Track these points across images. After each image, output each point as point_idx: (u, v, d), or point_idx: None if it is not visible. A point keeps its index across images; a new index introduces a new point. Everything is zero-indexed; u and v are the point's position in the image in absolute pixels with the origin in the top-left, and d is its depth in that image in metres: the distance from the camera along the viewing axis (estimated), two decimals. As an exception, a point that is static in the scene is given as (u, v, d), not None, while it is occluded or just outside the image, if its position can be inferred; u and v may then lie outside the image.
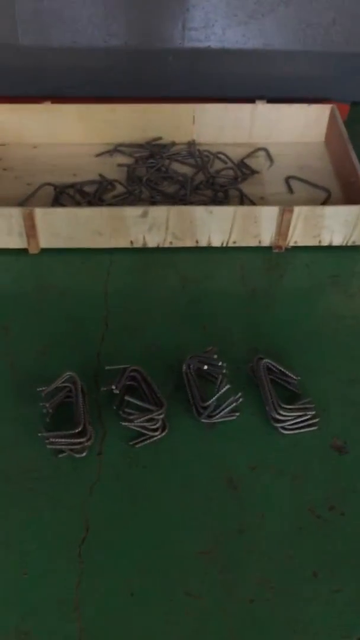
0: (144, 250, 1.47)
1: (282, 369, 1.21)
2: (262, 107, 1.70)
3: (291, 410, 1.16)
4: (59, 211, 1.43)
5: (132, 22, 1.55)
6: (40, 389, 1.16)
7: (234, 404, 1.15)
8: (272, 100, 1.71)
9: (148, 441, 1.13)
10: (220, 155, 1.71)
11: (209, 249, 1.48)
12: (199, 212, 1.42)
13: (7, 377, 1.22)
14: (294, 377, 1.21)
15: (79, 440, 1.10)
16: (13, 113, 1.67)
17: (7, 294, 1.39)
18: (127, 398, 1.15)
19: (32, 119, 1.68)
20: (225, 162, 1.70)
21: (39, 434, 1.11)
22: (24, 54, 1.59)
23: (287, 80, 1.70)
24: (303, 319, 1.35)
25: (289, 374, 1.21)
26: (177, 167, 1.69)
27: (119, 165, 1.68)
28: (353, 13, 1.54)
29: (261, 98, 1.71)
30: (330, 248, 1.48)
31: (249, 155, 1.72)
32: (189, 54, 1.62)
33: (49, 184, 1.60)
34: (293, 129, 1.73)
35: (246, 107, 1.70)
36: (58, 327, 1.32)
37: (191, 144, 1.73)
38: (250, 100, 1.71)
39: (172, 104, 1.69)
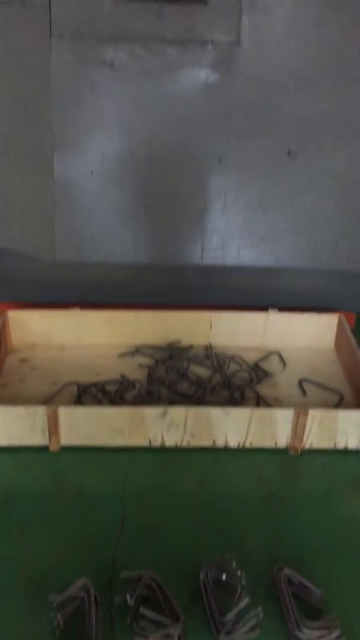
0: (162, 450, 1.50)
1: (304, 582, 1.16)
2: (274, 316, 1.84)
3: (314, 628, 1.09)
4: (82, 410, 1.49)
5: (156, 244, 1.75)
6: (52, 596, 1.12)
7: (254, 620, 1.09)
8: (283, 308, 1.86)
9: (163, 660, 1.06)
10: (235, 358, 1.81)
11: (226, 450, 1.50)
12: (216, 412, 1.47)
13: (20, 583, 1.18)
14: (317, 591, 1.16)
15: (89, 658, 1.04)
16: (44, 318, 1.81)
17: (26, 493, 1.39)
18: (141, 611, 1.10)
19: (61, 323, 1.82)
20: (241, 365, 1.80)
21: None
22: (59, 269, 1.77)
23: (297, 292, 1.85)
24: (323, 525, 1.33)
25: (311, 587, 1.16)
26: (195, 368, 1.78)
27: (140, 365, 1.78)
28: (353, 238, 1.73)
29: (273, 307, 1.86)
30: (346, 452, 1.50)
31: (262, 359, 1.81)
32: (207, 269, 1.80)
33: (72, 383, 1.68)
34: (304, 336, 1.85)
35: (259, 316, 1.84)
36: (74, 528, 1.30)
37: (208, 347, 1.85)
38: (264, 308, 1.85)
39: (190, 311, 1.84)
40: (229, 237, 1.75)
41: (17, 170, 1.70)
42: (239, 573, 1.16)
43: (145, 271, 1.82)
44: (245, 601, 1.10)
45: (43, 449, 1.48)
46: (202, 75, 1.59)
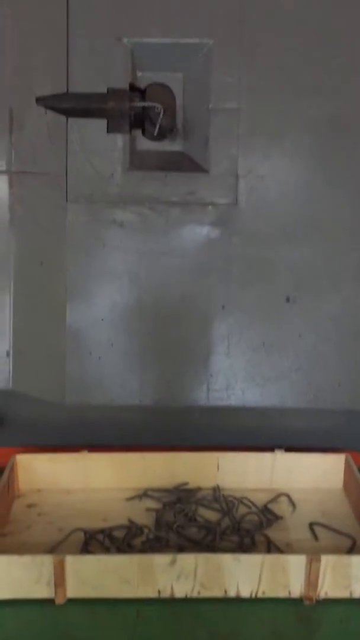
0: (172, 601, 1.44)
1: None
2: (280, 456, 1.85)
3: None
4: (88, 559, 1.46)
5: (163, 386, 1.81)
6: None
7: None
8: (290, 448, 1.87)
9: None
10: (244, 501, 1.79)
11: (238, 600, 1.44)
12: (227, 560, 1.44)
13: None
14: None
15: None
16: (51, 462, 1.82)
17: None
18: None
19: (68, 466, 1.82)
20: (250, 507, 1.77)
21: None
22: (67, 411, 1.81)
23: (303, 432, 1.87)
24: None
25: None
26: (203, 511, 1.75)
27: (148, 509, 1.75)
28: (354, 378, 1.79)
29: (279, 447, 1.87)
30: (363, 600, 1.45)
31: (271, 501, 1.79)
32: (213, 410, 1.83)
33: (79, 529, 1.65)
34: (312, 476, 1.84)
35: (266, 456, 1.85)
36: None
37: (216, 489, 1.83)
38: (270, 448, 1.86)
39: (197, 452, 1.85)
40: (233, 379, 1.80)
41: (30, 318, 1.80)
42: None
43: (152, 413, 1.85)
44: None
45: (48, 602, 1.43)
46: (203, 231, 1.73)
